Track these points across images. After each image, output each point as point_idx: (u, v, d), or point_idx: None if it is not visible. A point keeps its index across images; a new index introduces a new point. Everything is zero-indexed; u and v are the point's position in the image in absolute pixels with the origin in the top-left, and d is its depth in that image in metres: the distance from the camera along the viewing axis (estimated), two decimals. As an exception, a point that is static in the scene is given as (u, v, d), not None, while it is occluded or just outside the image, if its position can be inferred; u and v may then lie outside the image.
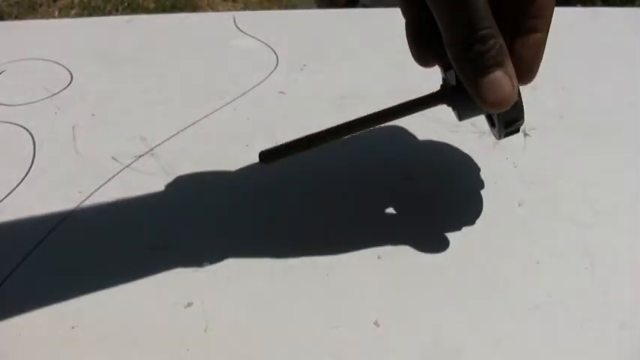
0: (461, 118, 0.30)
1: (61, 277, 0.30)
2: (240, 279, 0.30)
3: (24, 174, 0.36)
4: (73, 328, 0.28)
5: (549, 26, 0.29)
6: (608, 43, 0.46)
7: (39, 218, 0.33)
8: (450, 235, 0.31)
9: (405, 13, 0.29)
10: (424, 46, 0.29)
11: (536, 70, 0.28)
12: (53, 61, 0.45)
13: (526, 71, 0.28)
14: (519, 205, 0.33)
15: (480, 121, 0.38)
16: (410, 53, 0.30)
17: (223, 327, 0.28)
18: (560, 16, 0.50)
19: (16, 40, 0.49)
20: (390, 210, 0.33)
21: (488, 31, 0.25)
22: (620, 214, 0.32)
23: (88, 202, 0.34)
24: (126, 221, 0.33)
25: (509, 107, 0.27)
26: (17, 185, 0.35)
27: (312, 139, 0.30)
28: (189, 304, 0.28)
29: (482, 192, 0.34)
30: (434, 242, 0.31)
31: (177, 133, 0.38)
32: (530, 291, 0.29)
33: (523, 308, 0.28)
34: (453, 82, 0.28)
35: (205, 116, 0.40)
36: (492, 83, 0.26)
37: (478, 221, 0.32)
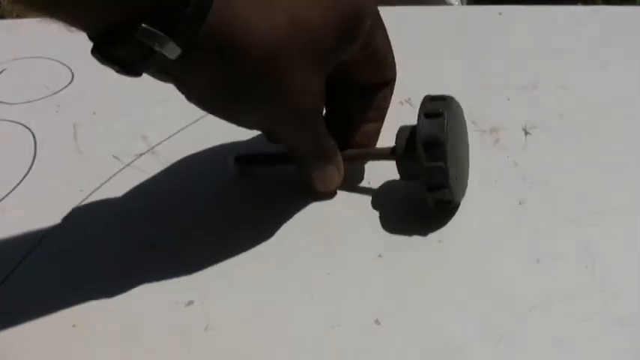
0: (401, 178, 0.32)
1: (61, 275, 0.30)
2: (241, 278, 0.30)
3: (25, 172, 0.36)
4: (73, 326, 0.28)
5: (384, 118, 0.34)
6: (609, 41, 0.46)
7: (40, 217, 0.33)
8: (450, 234, 0.31)
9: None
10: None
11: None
12: (54, 60, 0.45)
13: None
14: (520, 203, 0.33)
15: (481, 120, 0.38)
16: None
17: (224, 326, 0.28)
18: (561, 14, 0.50)
19: (17, 38, 0.49)
20: (391, 209, 0.33)
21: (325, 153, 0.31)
22: (621, 213, 0.32)
23: (89, 201, 0.34)
24: (127, 220, 0.33)
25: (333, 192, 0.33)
26: (18, 183, 0.35)
27: (282, 159, 0.33)
28: (190, 303, 0.29)
29: (483, 191, 0.34)
30: (434, 241, 0.31)
31: (178, 131, 0.38)
32: (531, 290, 0.28)
33: (523, 308, 0.28)
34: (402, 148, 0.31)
35: (206, 115, 0.40)
36: (324, 178, 0.32)
37: (478, 220, 0.32)
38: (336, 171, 0.32)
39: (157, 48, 0.23)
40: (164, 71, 0.26)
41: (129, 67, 0.24)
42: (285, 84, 0.26)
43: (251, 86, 0.26)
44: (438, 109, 0.29)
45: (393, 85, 0.33)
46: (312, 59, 0.27)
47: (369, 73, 0.32)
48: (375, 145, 0.33)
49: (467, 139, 0.33)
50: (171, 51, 0.23)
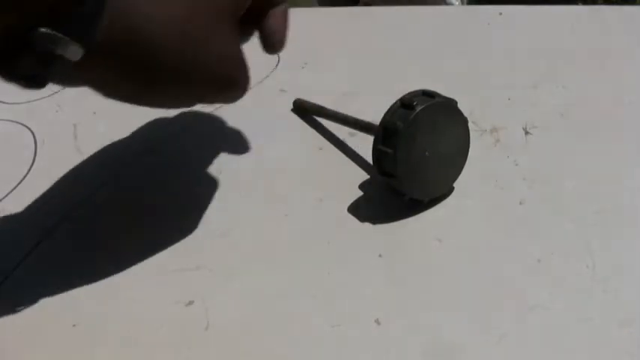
0: (372, 156, 0.32)
1: (61, 275, 0.30)
2: (241, 277, 0.30)
3: (25, 172, 0.36)
4: (74, 326, 0.28)
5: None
6: (609, 41, 0.46)
7: (40, 216, 0.33)
8: (450, 234, 0.31)
9: None
10: None
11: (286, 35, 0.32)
12: (54, 60, 0.45)
13: (280, 36, 0.31)
14: (520, 203, 0.33)
15: (481, 120, 0.38)
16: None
17: (224, 325, 0.28)
18: (561, 14, 0.50)
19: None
20: (391, 208, 0.33)
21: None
22: (621, 212, 0.32)
23: (90, 201, 0.34)
24: (127, 220, 0.33)
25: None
26: (19, 183, 0.35)
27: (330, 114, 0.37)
28: (191, 303, 0.29)
29: (484, 190, 0.34)
30: (435, 241, 0.31)
31: (179, 131, 0.38)
32: (531, 290, 0.28)
33: (524, 307, 0.28)
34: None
35: (206, 114, 0.40)
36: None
37: (479, 220, 0.32)
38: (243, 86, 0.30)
39: (58, 52, 0.22)
40: (70, 77, 0.25)
41: (33, 79, 0.23)
42: (201, 55, 0.26)
43: (169, 67, 0.25)
44: (414, 102, 0.30)
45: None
46: (216, 21, 0.26)
47: None
48: (287, 24, 0.32)
49: (462, 143, 0.33)
50: (74, 53, 0.22)
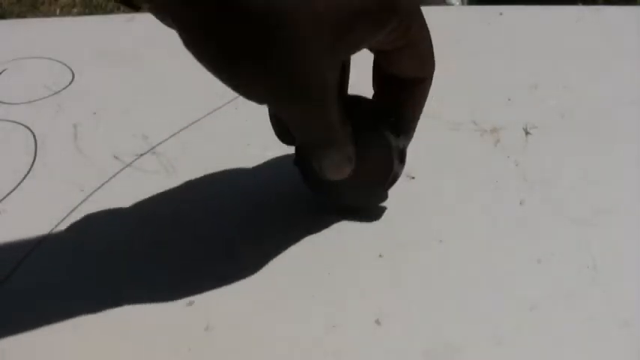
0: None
1: (61, 275, 0.30)
2: (241, 278, 0.30)
3: (26, 172, 0.36)
4: (74, 326, 0.28)
5: (421, 112, 0.31)
6: (610, 41, 0.46)
7: (40, 217, 0.33)
8: (450, 234, 0.31)
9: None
10: (286, 136, 0.32)
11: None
12: (55, 60, 0.45)
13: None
14: (520, 203, 0.33)
15: (481, 120, 0.38)
16: None
17: (224, 326, 0.28)
18: (562, 14, 0.50)
19: (17, 38, 0.49)
20: (391, 208, 0.33)
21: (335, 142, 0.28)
22: (622, 212, 0.32)
23: (90, 201, 0.34)
24: (127, 220, 0.33)
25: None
26: (19, 183, 0.35)
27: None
28: (191, 303, 0.29)
29: (484, 191, 0.34)
30: (434, 241, 0.31)
31: (179, 131, 0.38)
32: (531, 290, 0.28)
33: (524, 308, 0.28)
34: None
35: (207, 115, 0.40)
36: (334, 168, 0.29)
37: (479, 220, 0.32)
38: (347, 162, 0.29)
39: None
40: (164, 5, 0.24)
41: None
42: (288, 49, 0.24)
43: (252, 43, 0.23)
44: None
45: (430, 81, 0.30)
46: (325, 31, 0.24)
47: (405, 66, 0.29)
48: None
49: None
50: None
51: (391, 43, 0.27)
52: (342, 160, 0.29)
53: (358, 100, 0.30)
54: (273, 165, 0.36)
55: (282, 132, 0.32)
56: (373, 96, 0.31)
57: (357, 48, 0.27)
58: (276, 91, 0.26)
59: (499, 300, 0.28)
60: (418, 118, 0.31)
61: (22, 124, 0.40)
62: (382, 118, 0.30)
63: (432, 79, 0.30)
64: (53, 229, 0.32)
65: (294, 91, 0.26)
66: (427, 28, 0.29)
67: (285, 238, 0.32)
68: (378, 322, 0.28)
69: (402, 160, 0.30)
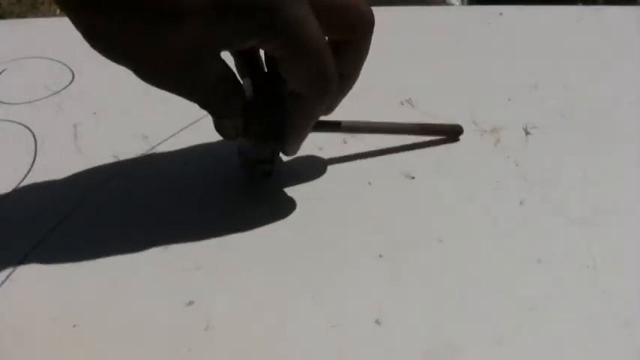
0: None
1: (62, 275, 0.30)
2: (241, 277, 0.30)
3: (25, 172, 0.36)
4: (74, 326, 0.28)
5: (357, 74, 0.31)
6: (610, 41, 0.46)
7: (40, 217, 0.33)
8: (450, 235, 0.31)
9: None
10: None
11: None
12: (55, 60, 0.45)
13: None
14: (520, 203, 0.33)
15: (481, 120, 0.38)
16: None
17: (224, 325, 0.28)
18: (562, 14, 0.50)
19: (17, 38, 0.49)
20: (391, 208, 0.33)
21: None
22: (622, 212, 0.32)
23: (89, 201, 0.34)
24: (127, 220, 0.33)
25: None
26: (19, 183, 0.35)
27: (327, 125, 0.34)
28: (191, 303, 0.29)
29: (484, 191, 0.34)
30: (434, 241, 0.31)
31: (179, 131, 0.38)
32: (531, 290, 0.28)
33: (524, 308, 0.28)
34: None
35: (207, 115, 0.40)
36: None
37: (479, 220, 0.32)
38: (231, 129, 0.31)
39: None
40: None
41: None
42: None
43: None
44: None
45: (313, 104, 0.29)
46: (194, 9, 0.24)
47: (288, 77, 0.28)
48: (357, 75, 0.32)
49: None
50: None
51: (271, 50, 0.27)
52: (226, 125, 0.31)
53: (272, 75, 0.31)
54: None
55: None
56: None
57: (231, 45, 0.27)
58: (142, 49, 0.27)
59: (499, 300, 0.28)
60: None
61: (22, 124, 0.40)
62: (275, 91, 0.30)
63: (317, 102, 0.29)
64: (52, 229, 0.32)
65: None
66: (319, 52, 0.27)
67: (285, 238, 0.32)
68: (378, 322, 0.28)
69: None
